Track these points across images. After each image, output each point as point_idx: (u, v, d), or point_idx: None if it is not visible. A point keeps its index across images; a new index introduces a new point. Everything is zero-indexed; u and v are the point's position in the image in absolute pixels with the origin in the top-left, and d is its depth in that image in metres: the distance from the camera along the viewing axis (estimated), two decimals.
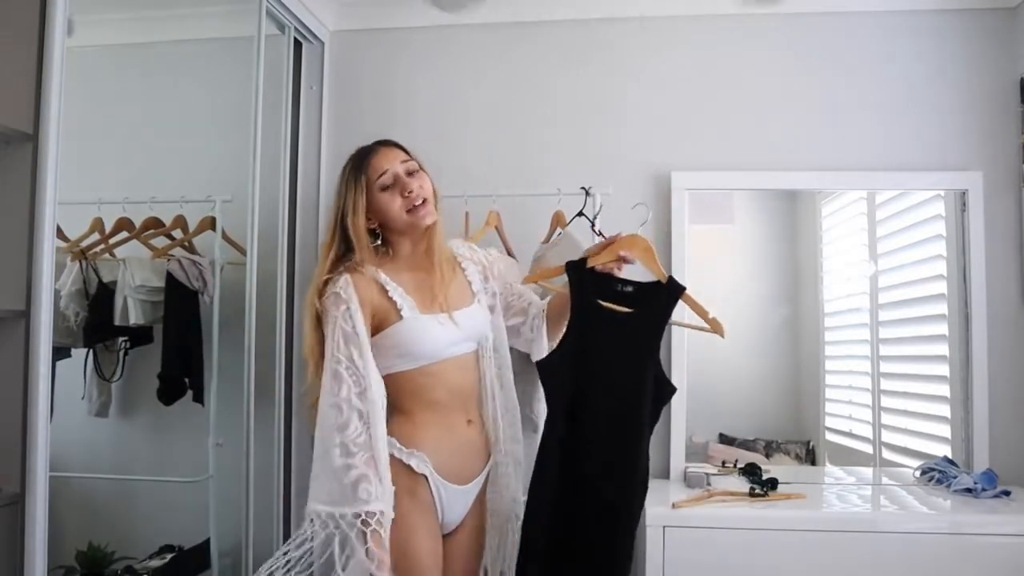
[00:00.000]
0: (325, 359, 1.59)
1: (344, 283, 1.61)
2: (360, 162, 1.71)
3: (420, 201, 1.69)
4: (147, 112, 2.57)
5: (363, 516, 1.49)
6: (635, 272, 1.84)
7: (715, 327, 1.81)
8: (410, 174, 1.71)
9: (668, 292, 1.76)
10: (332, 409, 1.55)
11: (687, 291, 1.78)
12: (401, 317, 1.64)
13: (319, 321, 1.65)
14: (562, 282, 1.81)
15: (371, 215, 1.70)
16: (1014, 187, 2.45)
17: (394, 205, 1.68)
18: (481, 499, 1.78)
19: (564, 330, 1.76)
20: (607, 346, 1.72)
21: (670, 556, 2.06)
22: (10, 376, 1.59)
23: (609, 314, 1.73)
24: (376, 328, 1.65)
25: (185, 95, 2.59)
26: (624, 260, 1.77)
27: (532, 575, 1.69)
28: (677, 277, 2.47)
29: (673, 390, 1.78)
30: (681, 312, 1.84)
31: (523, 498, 1.77)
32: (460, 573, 1.75)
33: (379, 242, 1.75)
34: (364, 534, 1.48)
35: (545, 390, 1.73)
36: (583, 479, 1.70)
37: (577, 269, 1.78)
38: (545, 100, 2.66)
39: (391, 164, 1.70)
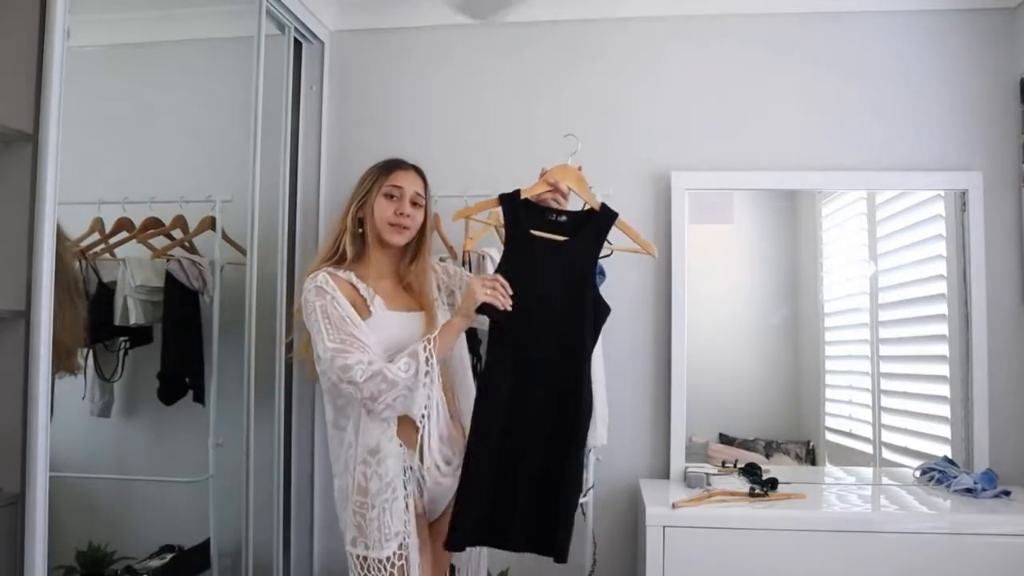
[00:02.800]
0: (321, 340, 1.65)
1: (323, 279, 1.72)
2: (387, 167, 1.87)
3: (404, 225, 1.82)
4: (147, 112, 2.57)
5: (427, 363, 1.65)
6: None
7: (647, 248, 1.89)
8: (414, 203, 1.85)
9: (602, 218, 1.80)
10: (350, 369, 1.62)
11: (620, 217, 1.83)
12: (371, 312, 1.74)
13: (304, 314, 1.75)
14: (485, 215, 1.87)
15: (366, 209, 1.85)
16: (1014, 187, 2.45)
17: (386, 211, 1.82)
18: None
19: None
20: (543, 273, 1.76)
21: (670, 556, 2.06)
22: (10, 376, 1.59)
23: (543, 243, 1.76)
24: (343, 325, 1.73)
25: (185, 95, 2.59)
26: (557, 190, 1.82)
27: (476, 496, 1.71)
28: (677, 277, 2.52)
29: (608, 310, 1.81)
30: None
31: None
32: (442, 556, 1.84)
33: (359, 245, 1.85)
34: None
35: (487, 316, 1.74)
36: (532, 402, 1.74)
37: (510, 201, 1.81)
38: (545, 100, 2.66)
39: (407, 184, 1.85)
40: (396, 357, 1.65)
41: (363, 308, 1.74)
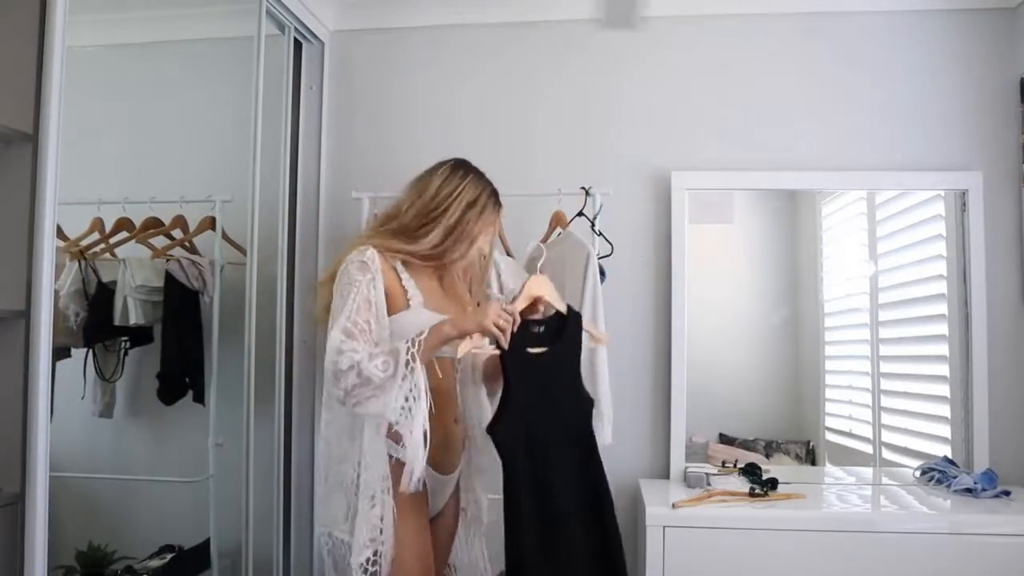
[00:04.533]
0: (338, 318, 1.60)
1: (372, 256, 1.66)
2: (498, 198, 1.84)
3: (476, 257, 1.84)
4: (147, 112, 2.57)
5: (407, 366, 1.54)
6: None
7: (599, 338, 1.95)
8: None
9: (573, 321, 1.80)
10: (339, 353, 1.55)
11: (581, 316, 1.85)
12: (409, 305, 1.69)
13: (336, 281, 1.69)
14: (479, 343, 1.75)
15: (470, 226, 1.77)
16: (1014, 187, 2.45)
17: (478, 238, 1.79)
18: (457, 487, 1.88)
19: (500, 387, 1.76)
20: (544, 389, 1.75)
21: (670, 556, 2.07)
22: (10, 376, 1.59)
23: (535, 359, 1.75)
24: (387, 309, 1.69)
25: (185, 95, 2.59)
26: (538, 303, 1.78)
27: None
28: (677, 277, 2.52)
29: (592, 402, 1.83)
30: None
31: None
32: (443, 548, 1.86)
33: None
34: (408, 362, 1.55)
35: (500, 451, 1.70)
36: (559, 517, 1.71)
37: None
38: (546, 100, 2.66)
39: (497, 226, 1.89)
40: (375, 354, 1.55)
41: (400, 299, 1.69)
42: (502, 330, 1.64)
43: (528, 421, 1.72)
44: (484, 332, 1.63)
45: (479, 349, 1.68)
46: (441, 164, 1.82)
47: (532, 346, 1.76)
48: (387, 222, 1.79)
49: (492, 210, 1.80)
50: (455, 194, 1.76)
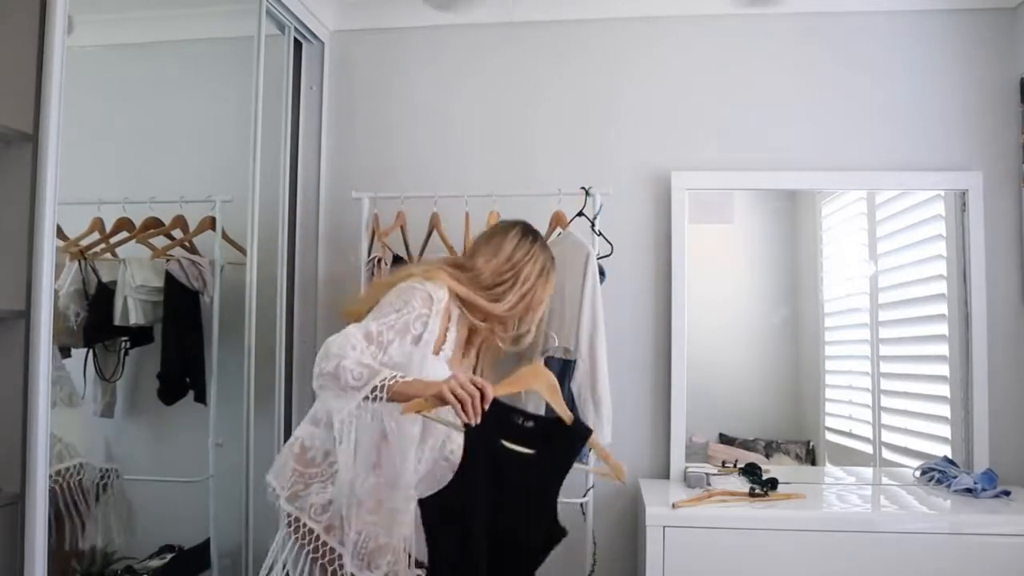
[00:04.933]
0: (371, 319, 1.61)
1: (442, 297, 1.68)
2: (554, 267, 1.88)
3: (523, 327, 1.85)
4: (147, 112, 2.57)
5: (372, 392, 1.49)
6: None
7: (617, 472, 1.67)
8: None
9: (574, 436, 1.60)
10: (344, 341, 1.55)
11: (593, 435, 1.63)
12: (438, 352, 1.69)
13: (389, 292, 1.69)
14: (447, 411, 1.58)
15: (531, 294, 1.81)
16: (1014, 187, 2.45)
17: (540, 306, 1.83)
18: None
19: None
20: (507, 492, 1.55)
21: (670, 556, 2.06)
22: (10, 376, 1.59)
23: (509, 455, 1.54)
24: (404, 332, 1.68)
25: (185, 95, 2.59)
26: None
27: None
28: (677, 277, 2.52)
29: (564, 533, 1.62)
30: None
31: None
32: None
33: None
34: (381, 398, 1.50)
35: (428, 532, 1.55)
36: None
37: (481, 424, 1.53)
38: (546, 100, 2.66)
39: None
40: (362, 362, 1.52)
41: (436, 344, 1.68)
42: (460, 400, 1.47)
43: (472, 516, 1.53)
44: (439, 397, 1.48)
45: (428, 414, 1.54)
46: (511, 225, 1.86)
47: (512, 439, 1.56)
48: (461, 270, 1.79)
49: (552, 279, 1.84)
50: (527, 258, 1.80)
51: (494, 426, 1.53)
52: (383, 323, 1.61)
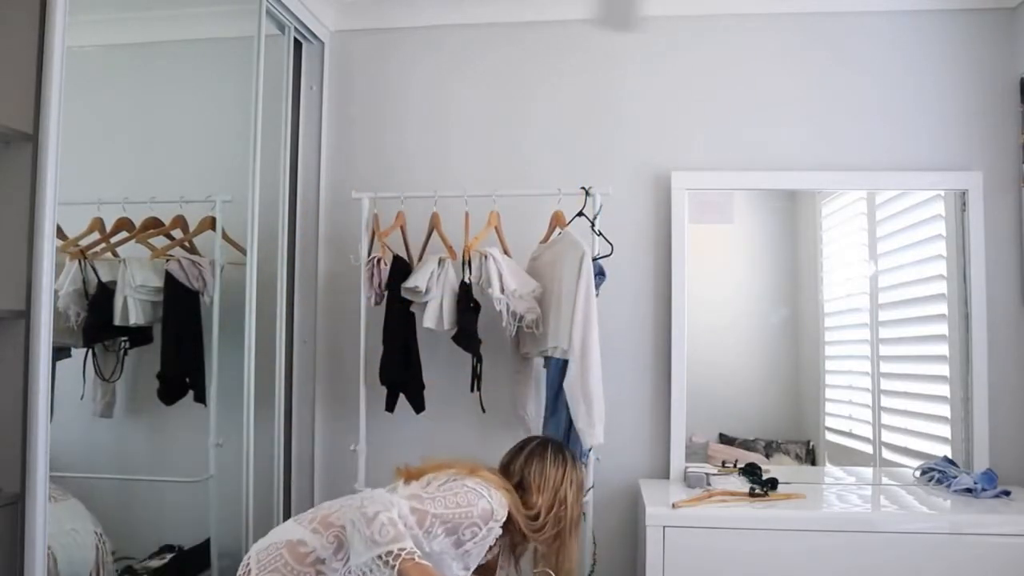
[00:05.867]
0: (427, 499, 1.64)
1: (503, 515, 1.72)
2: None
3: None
4: (147, 112, 2.57)
5: (387, 553, 1.52)
6: None
7: None
8: None
9: None
10: (392, 504, 1.57)
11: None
12: (483, 558, 1.76)
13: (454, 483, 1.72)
14: None
15: (571, 512, 1.86)
16: (1014, 187, 2.45)
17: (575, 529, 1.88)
18: None
19: None
20: None
21: (670, 556, 2.06)
22: (10, 376, 1.59)
23: None
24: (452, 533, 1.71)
25: (185, 95, 2.59)
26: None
27: None
28: (677, 277, 2.52)
29: None
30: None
31: None
32: None
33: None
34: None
35: None
36: None
37: None
38: (546, 100, 2.66)
39: None
40: (395, 521, 1.54)
41: (475, 558, 1.75)
42: None
43: None
44: None
45: None
46: (557, 453, 1.88)
47: None
48: (524, 501, 1.81)
49: (582, 494, 1.89)
50: (571, 487, 1.85)
51: None
52: (436, 516, 1.63)
